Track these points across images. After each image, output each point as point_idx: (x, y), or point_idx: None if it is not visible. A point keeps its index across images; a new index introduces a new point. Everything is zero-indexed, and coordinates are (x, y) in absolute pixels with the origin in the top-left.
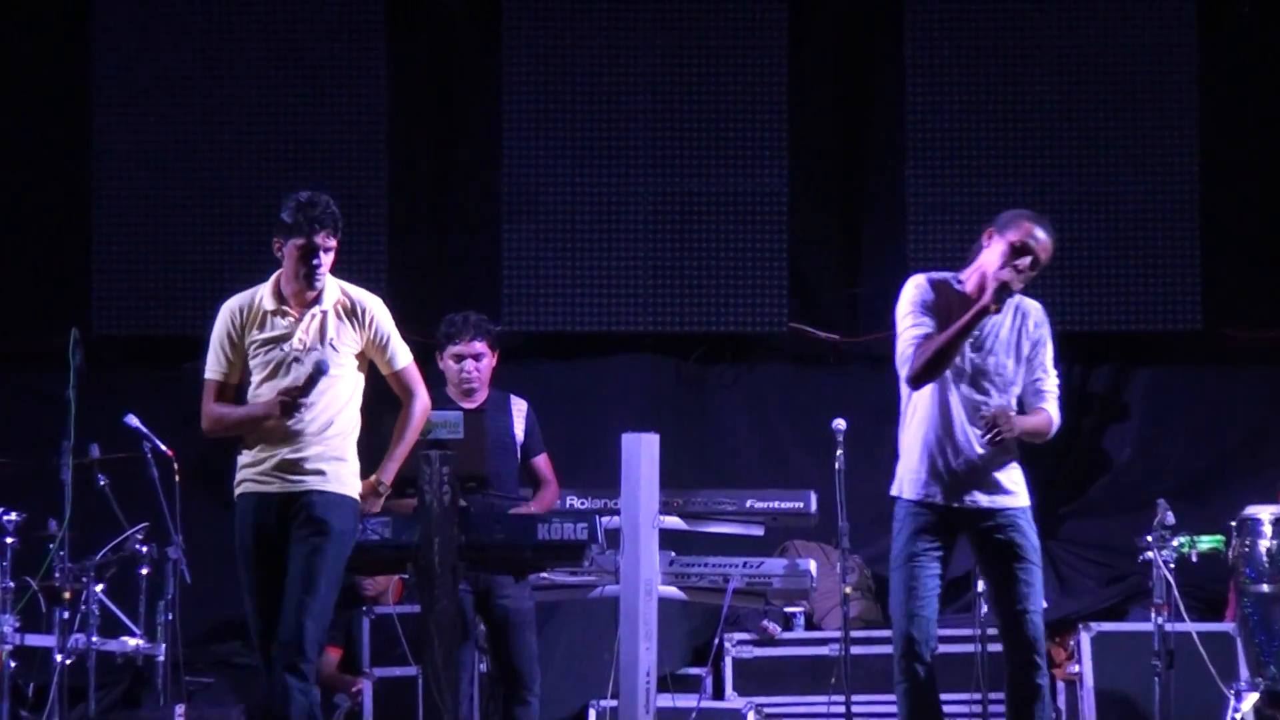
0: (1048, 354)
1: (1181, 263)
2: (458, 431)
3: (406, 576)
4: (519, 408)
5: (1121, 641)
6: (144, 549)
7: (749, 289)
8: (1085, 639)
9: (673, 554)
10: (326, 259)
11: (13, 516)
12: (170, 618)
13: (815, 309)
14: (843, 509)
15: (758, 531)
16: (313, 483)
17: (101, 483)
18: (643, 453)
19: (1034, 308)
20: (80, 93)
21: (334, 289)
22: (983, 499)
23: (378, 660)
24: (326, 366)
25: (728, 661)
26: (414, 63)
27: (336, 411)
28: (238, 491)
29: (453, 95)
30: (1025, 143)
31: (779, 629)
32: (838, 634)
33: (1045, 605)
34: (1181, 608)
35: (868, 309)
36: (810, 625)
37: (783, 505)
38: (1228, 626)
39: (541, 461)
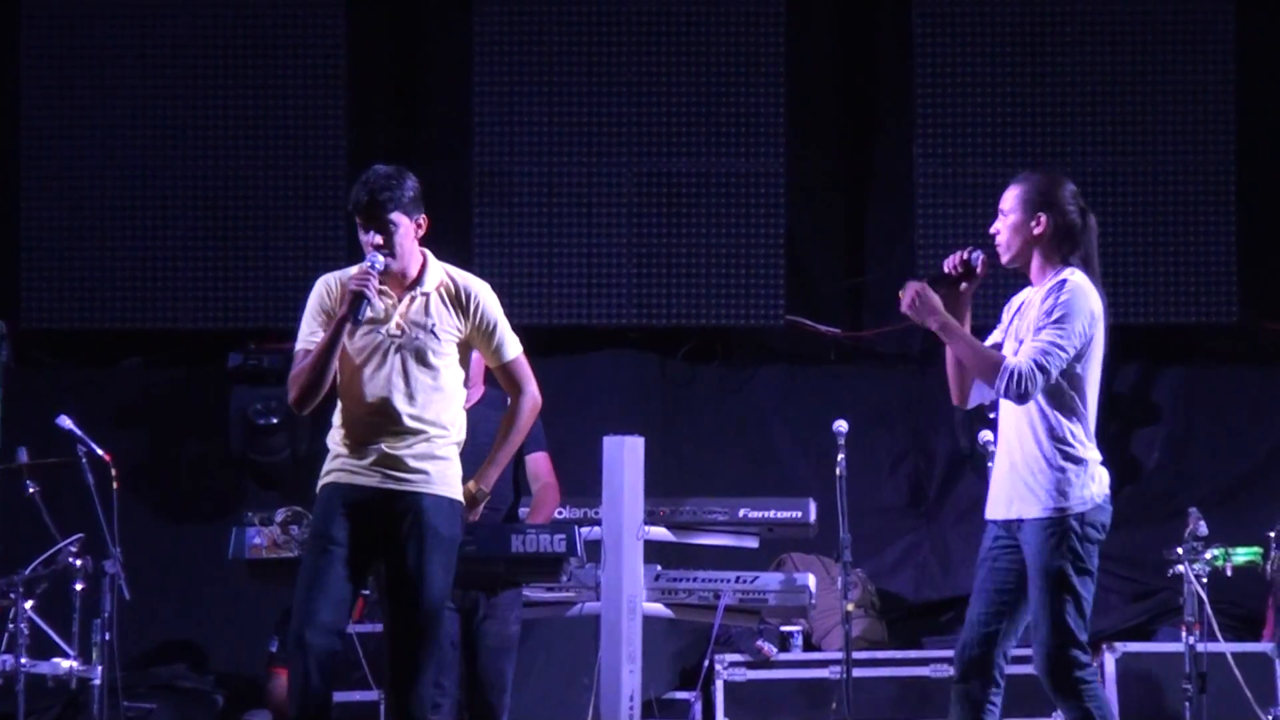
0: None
1: (1216, 250)
2: None
3: (367, 593)
4: None
5: (1149, 663)
6: (78, 562)
7: (742, 279)
8: (1110, 660)
9: (658, 568)
10: (390, 238)
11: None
12: (107, 637)
13: (815, 301)
14: (844, 519)
15: (752, 543)
16: (418, 483)
17: (31, 490)
18: (626, 457)
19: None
20: (8, 73)
21: (437, 272)
22: None
23: (335, 684)
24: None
25: (719, 685)
26: (375, 30)
27: (442, 406)
28: (324, 482)
29: (417, 65)
30: (1045, 119)
31: (774, 650)
32: (839, 655)
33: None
34: (1215, 626)
35: (872, 301)
36: (809, 646)
37: (779, 515)
38: (1265, 647)
39: (537, 460)
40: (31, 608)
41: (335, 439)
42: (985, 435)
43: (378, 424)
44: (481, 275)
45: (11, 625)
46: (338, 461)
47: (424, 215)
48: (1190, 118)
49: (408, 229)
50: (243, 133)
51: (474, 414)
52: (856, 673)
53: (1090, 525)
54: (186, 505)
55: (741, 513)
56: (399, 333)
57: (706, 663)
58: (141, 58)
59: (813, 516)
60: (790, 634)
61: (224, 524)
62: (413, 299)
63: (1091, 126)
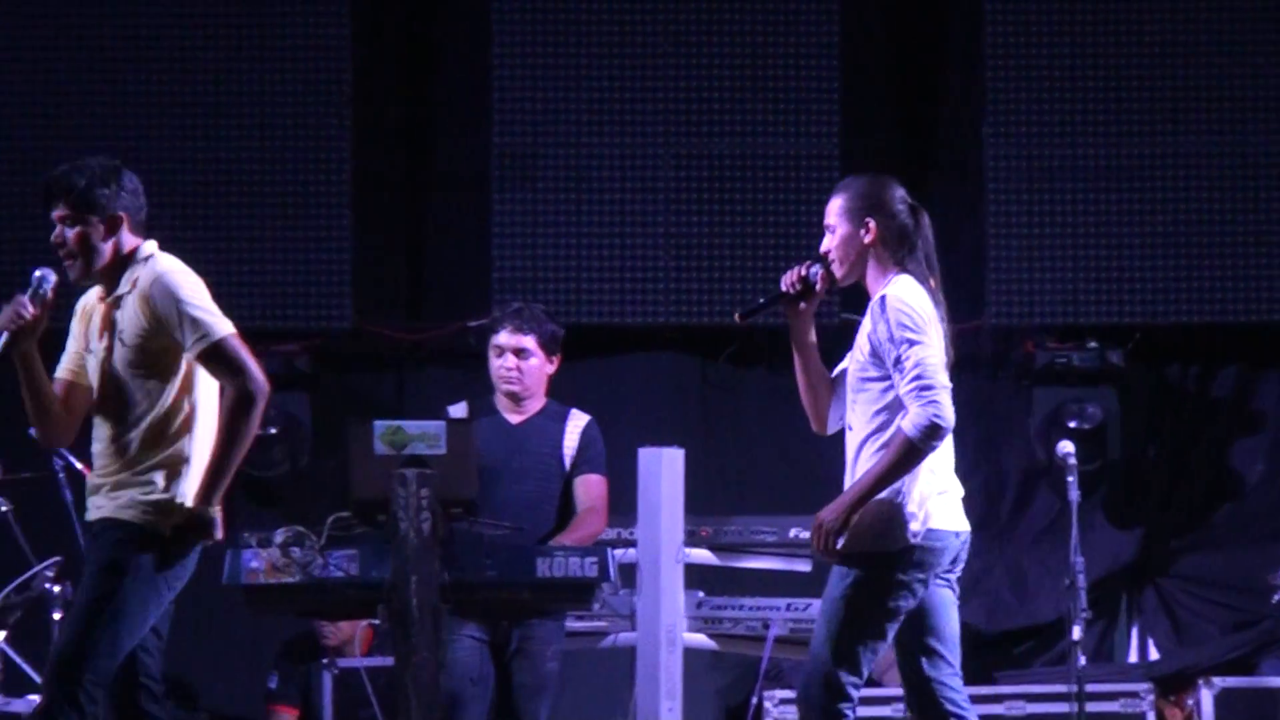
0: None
1: None
2: (439, 446)
3: (377, 622)
4: (576, 422)
5: (1251, 700)
6: (56, 589)
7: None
8: (1207, 697)
9: (701, 594)
10: (70, 234)
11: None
12: None
13: (867, 295)
14: None
15: (804, 567)
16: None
17: (3, 508)
18: (663, 471)
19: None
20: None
21: (138, 266)
22: None
23: None
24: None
25: None
26: None
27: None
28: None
29: (430, 36)
30: (1127, 94)
31: None
32: (902, 692)
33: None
34: None
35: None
36: (868, 681)
37: None
38: None
39: (588, 482)
40: (4, 639)
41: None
42: (1065, 446)
43: (97, 449)
44: (502, 268)
45: None
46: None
47: (124, 213)
48: None
49: (98, 228)
50: (235, 114)
51: (530, 426)
52: None
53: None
54: None
55: (793, 533)
56: (98, 344)
57: (754, 700)
58: (123, 33)
59: None
60: None
61: (217, 546)
62: (107, 305)
63: (1180, 102)
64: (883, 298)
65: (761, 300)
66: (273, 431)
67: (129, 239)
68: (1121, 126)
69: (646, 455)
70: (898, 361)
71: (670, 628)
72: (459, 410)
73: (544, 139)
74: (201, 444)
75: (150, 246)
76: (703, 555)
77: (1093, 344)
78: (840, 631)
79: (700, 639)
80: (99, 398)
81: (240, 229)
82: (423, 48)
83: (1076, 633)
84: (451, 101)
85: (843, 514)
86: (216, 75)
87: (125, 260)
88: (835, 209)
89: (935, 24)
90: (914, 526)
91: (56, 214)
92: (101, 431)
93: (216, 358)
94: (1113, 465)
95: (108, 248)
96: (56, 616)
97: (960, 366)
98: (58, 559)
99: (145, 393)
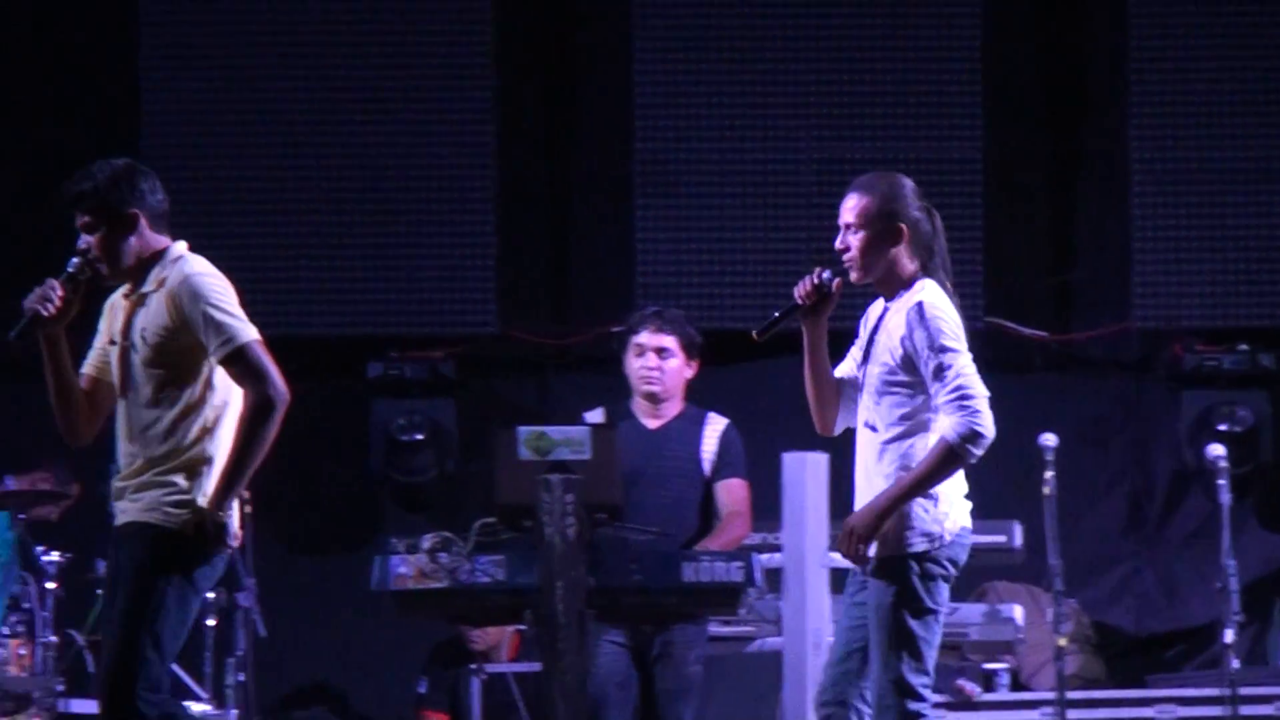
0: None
1: None
2: (583, 451)
3: (523, 628)
4: (715, 426)
5: None
6: (210, 595)
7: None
8: None
9: None
10: (92, 240)
11: (55, 557)
12: (242, 679)
13: (1016, 301)
14: (1054, 544)
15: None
16: (129, 511)
17: None
18: (808, 476)
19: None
20: (127, 60)
21: (164, 265)
22: None
23: None
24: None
25: None
26: (525, 5)
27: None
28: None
29: (572, 44)
30: (1276, 92)
31: (978, 689)
32: (1051, 695)
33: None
34: None
35: (1082, 301)
36: (1017, 685)
37: (979, 539)
38: None
39: (730, 487)
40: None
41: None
42: (1215, 450)
43: (121, 450)
44: (645, 273)
45: None
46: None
47: (143, 211)
48: None
49: (120, 226)
50: (381, 122)
51: (668, 431)
52: (1071, 714)
53: (935, 562)
54: (323, 531)
55: None
56: (122, 342)
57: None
58: (272, 42)
59: (1018, 541)
60: (995, 672)
61: (365, 551)
62: (131, 303)
63: None
64: (920, 305)
65: (776, 314)
66: (419, 438)
67: (152, 237)
68: (1268, 126)
69: (791, 460)
70: (939, 370)
71: (816, 632)
72: (596, 416)
73: (686, 145)
74: (224, 446)
75: (180, 247)
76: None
77: (1243, 346)
78: (899, 636)
79: None
80: (121, 393)
81: (386, 236)
82: (566, 55)
83: (1229, 636)
84: (594, 108)
85: (875, 520)
86: (362, 85)
87: (151, 259)
88: (858, 209)
89: (1079, 25)
90: (948, 525)
91: (79, 222)
92: (123, 429)
93: (239, 362)
94: (1264, 468)
95: (129, 248)
96: (210, 624)
97: (1106, 369)
98: None
99: (165, 392)
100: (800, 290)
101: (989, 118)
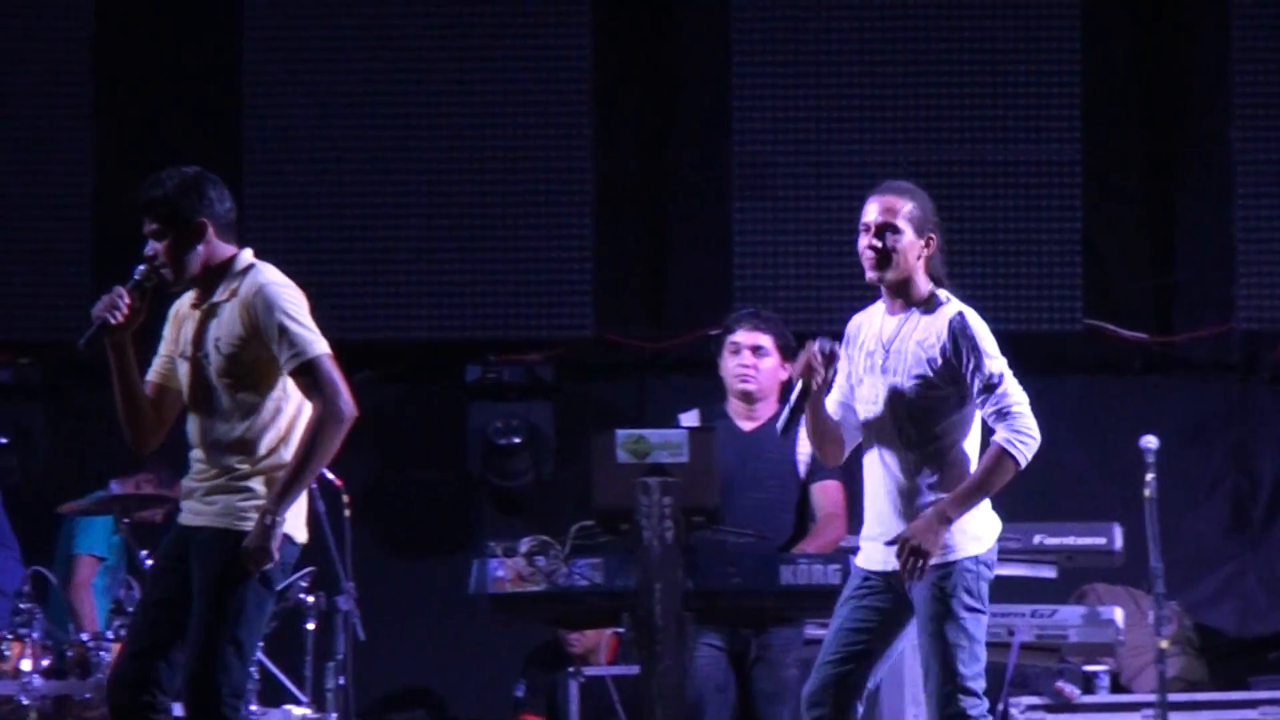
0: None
1: None
2: (681, 454)
3: (621, 631)
4: None
5: None
6: (310, 599)
7: (1033, 279)
8: None
9: None
10: (159, 247)
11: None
12: (341, 682)
13: (1117, 303)
14: (1156, 545)
15: (1049, 573)
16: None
17: None
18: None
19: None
20: (229, 67)
21: (235, 274)
22: None
23: None
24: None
25: None
26: (622, 6)
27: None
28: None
29: (670, 44)
30: None
31: (1077, 692)
32: (1152, 698)
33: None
34: None
35: (1183, 302)
36: (1117, 687)
37: (1080, 542)
38: None
39: (826, 489)
40: (261, 650)
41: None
42: None
43: (194, 455)
44: (743, 276)
45: None
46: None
47: (211, 220)
48: None
49: (187, 235)
50: (477, 125)
51: (763, 433)
52: (1173, 717)
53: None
54: (420, 534)
55: (1037, 539)
56: (195, 351)
57: (1000, 706)
58: (370, 48)
59: (1118, 543)
60: (1095, 674)
61: (463, 555)
62: (203, 312)
63: None
64: (963, 316)
65: (792, 402)
66: (516, 441)
67: (219, 246)
68: None
69: None
70: (989, 380)
71: (913, 634)
72: (690, 419)
73: (784, 147)
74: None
75: (248, 255)
76: None
77: None
78: (960, 640)
79: None
80: (192, 403)
81: (484, 239)
82: (664, 57)
83: None
84: (692, 110)
85: (938, 532)
86: (461, 89)
87: (221, 268)
88: (903, 213)
89: (1180, 24)
90: (992, 529)
91: (146, 229)
92: (196, 438)
93: (308, 375)
94: None
95: (196, 256)
96: (310, 627)
97: (1208, 371)
98: (311, 569)
99: (239, 401)
100: (806, 378)
101: (1087, 118)
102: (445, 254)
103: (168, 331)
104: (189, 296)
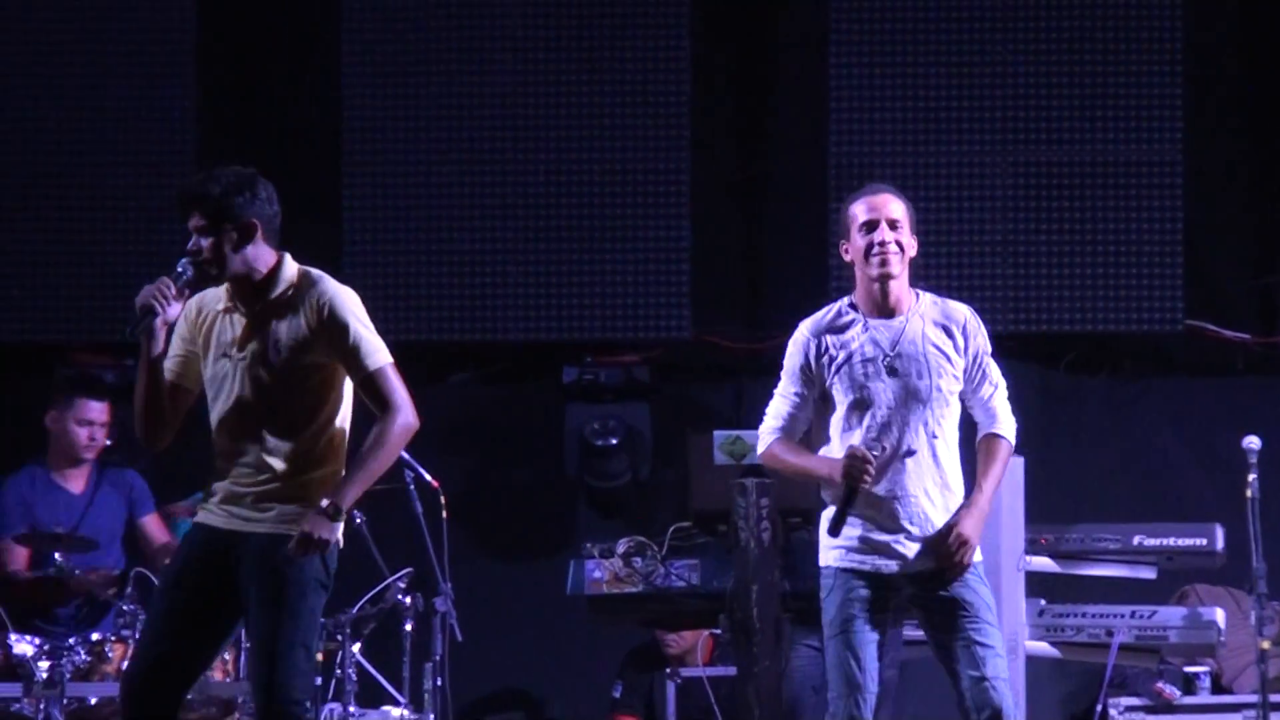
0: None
1: None
2: None
3: (718, 632)
4: None
5: None
6: (407, 600)
7: (1133, 280)
8: None
9: (1042, 602)
10: (205, 244)
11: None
12: (439, 683)
13: (1218, 303)
14: (1258, 546)
15: (1149, 574)
16: (257, 521)
17: (358, 520)
18: (1003, 480)
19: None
20: (330, 76)
21: (288, 279)
22: None
23: None
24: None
25: None
26: (721, 7)
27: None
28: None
29: (767, 45)
30: None
31: (1178, 693)
32: (1254, 699)
33: None
34: None
35: None
36: (1218, 688)
37: (1180, 542)
38: None
39: None
40: (359, 651)
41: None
42: None
43: (234, 458)
44: (840, 277)
45: (339, 671)
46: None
47: (258, 220)
48: None
49: (232, 234)
50: (575, 127)
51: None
52: (1275, 718)
53: None
54: (518, 536)
55: (1137, 540)
56: (239, 354)
57: (1099, 707)
58: (466, 48)
59: (1220, 544)
60: (1196, 675)
61: (560, 556)
62: (256, 313)
63: None
64: (974, 310)
65: (840, 504)
66: (613, 442)
67: (264, 249)
68: None
69: None
70: (989, 373)
71: (1012, 635)
72: None
73: (880, 147)
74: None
75: (292, 260)
76: (1043, 563)
77: None
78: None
79: (1042, 647)
80: (237, 407)
81: (582, 240)
82: (761, 58)
83: None
84: (789, 111)
85: (981, 528)
86: (557, 93)
87: (271, 271)
88: (902, 211)
89: None
90: None
91: (192, 223)
92: (241, 441)
93: (377, 384)
94: None
95: (241, 256)
96: (408, 628)
97: None
98: (409, 570)
99: (298, 406)
100: (859, 479)
101: (1189, 117)
102: (543, 256)
103: (184, 329)
104: (216, 297)
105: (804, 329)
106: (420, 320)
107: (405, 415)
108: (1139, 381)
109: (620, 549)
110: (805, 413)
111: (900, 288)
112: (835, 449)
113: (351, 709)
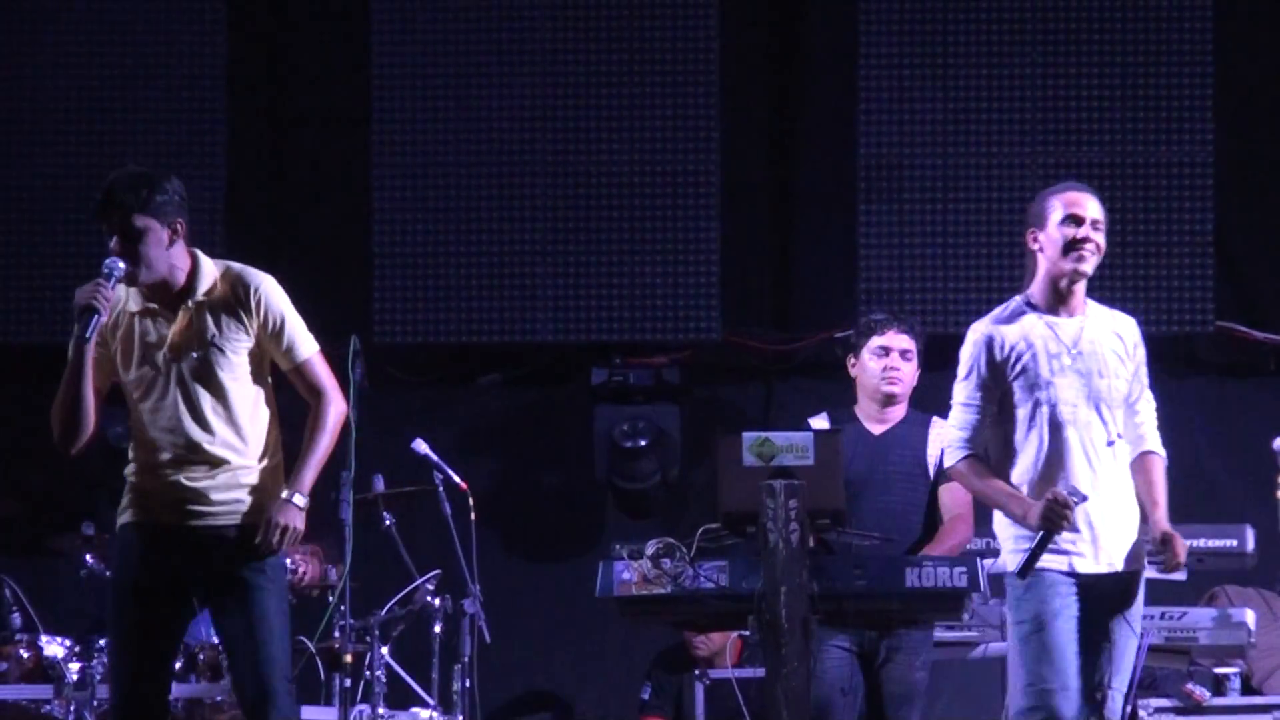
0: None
1: None
2: (807, 457)
3: (747, 633)
4: (939, 429)
5: None
6: (436, 602)
7: (1164, 280)
8: None
9: None
10: (125, 247)
11: (287, 564)
12: (468, 685)
13: (1249, 304)
14: None
15: (1179, 576)
16: (220, 515)
17: (387, 522)
18: None
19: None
20: (359, 73)
21: (209, 275)
22: None
23: None
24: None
25: None
26: (750, 11)
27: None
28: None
29: (796, 47)
30: None
31: (1208, 694)
32: None
33: None
34: None
35: None
36: (1248, 689)
37: (1210, 543)
38: None
39: (954, 490)
40: (388, 653)
41: (131, 471)
42: None
43: (178, 456)
44: (869, 278)
45: (368, 673)
46: (130, 498)
47: (181, 220)
48: None
49: (159, 235)
50: (605, 128)
51: (892, 436)
52: None
53: None
54: (547, 537)
55: None
56: (173, 354)
57: (1128, 708)
58: (497, 51)
59: (1250, 545)
60: (1226, 676)
61: (589, 558)
62: (186, 312)
63: None
64: (1137, 319)
65: (1031, 550)
66: (643, 444)
67: (185, 248)
68: None
69: None
70: (1144, 386)
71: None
72: (820, 422)
73: (910, 150)
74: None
75: (206, 256)
76: None
77: None
78: None
79: None
80: (185, 405)
81: (612, 242)
82: (790, 60)
83: None
84: (819, 113)
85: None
86: (587, 95)
87: (190, 269)
88: (1102, 216)
89: None
90: None
91: (116, 225)
92: (180, 437)
93: (305, 372)
94: None
95: (165, 256)
96: (437, 630)
97: None
98: (437, 572)
99: (238, 397)
100: (1058, 525)
101: (1220, 118)
102: (572, 258)
103: (103, 332)
104: (119, 299)
105: (983, 325)
106: (450, 323)
107: (339, 400)
108: (1170, 381)
109: (649, 550)
110: (989, 418)
111: (1084, 288)
112: (1023, 466)
113: (380, 710)
